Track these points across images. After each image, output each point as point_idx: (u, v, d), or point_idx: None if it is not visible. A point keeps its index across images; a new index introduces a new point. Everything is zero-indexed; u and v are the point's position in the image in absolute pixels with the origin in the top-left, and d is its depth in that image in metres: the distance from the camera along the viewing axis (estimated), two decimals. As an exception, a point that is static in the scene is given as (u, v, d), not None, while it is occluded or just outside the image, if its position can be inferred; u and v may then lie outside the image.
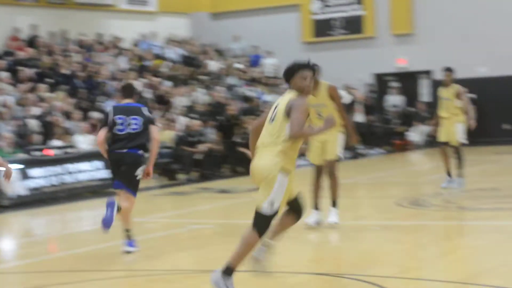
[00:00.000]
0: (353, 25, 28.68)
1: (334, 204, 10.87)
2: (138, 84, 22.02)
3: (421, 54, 27.47)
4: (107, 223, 9.10)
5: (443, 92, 14.68)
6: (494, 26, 26.31)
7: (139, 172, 9.45)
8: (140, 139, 9.51)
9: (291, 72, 7.12)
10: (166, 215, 13.83)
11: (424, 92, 27.80)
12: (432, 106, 27.14)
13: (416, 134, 26.55)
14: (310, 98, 7.49)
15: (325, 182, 10.89)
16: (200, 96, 24.06)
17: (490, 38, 26.28)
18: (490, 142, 25.09)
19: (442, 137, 14.55)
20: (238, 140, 19.98)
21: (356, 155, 23.73)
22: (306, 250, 9.61)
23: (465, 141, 14.49)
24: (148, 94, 22.80)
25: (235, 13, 30.32)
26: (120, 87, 10.70)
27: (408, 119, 26.95)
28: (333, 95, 10.77)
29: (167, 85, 24.19)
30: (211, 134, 20.74)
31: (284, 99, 7.05)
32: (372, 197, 14.96)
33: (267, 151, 6.93)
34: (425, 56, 27.33)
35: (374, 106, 27.39)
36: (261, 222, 6.84)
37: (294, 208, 7.07)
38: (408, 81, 27.92)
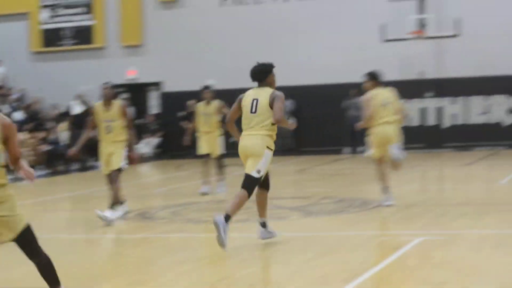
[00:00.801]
0: (83, 35, 28.37)
1: (112, 206, 12.11)
2: None
3: (150, 66, 27.70)
4: None
5: (203, 108, 15.61)
6: (221, 40, 27.04)
7: None
8: None
9: (268, 71, 9.50)
10: None
11: (154, 104, 28.02)
12: (161, 118, 27.50)
13: (145, 146, 26.66)
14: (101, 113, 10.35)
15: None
16: None
17: (217, 52, 27.00)
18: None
19: (203, 150, 15.61)
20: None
21: (85, 168, 23.43)
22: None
23: (224, 152, 15.79)
24: None
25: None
26: None
27: (137, 131, 26.95)
28: (123, 112, 11.98)
29: None
30: None
31: (262, 94, 9.31)
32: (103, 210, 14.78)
33: (256, 134, 9.20)
34: (155, 68, 27.59)
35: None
36: (250, 184, 9.30)
37: (264, 184, 9.52)
38: (138, 92, 28.03)
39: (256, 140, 9.28)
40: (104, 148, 12.25)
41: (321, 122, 26.01)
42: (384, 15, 24.11)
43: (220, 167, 15.87)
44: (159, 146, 27.29)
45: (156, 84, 28.00)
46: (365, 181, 14.56)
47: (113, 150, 12.02)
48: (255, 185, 9.38)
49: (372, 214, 12.20)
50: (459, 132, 25.29)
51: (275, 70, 9.62)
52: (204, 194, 15.52)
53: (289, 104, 26.18)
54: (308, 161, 23.93)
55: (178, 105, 26.86)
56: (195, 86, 26.51)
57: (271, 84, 9.54)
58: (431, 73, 25.54)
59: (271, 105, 9.24)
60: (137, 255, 9.97)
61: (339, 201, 13.68)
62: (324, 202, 13.55)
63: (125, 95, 27.94)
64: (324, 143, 26.15)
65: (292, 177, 19.69)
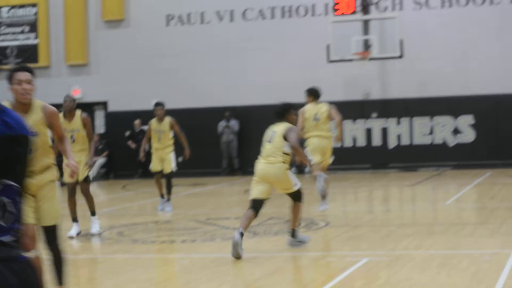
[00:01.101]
0: (28, 54, 28.11)
1: (93, 214, 12.99)
2: None
3: (96, 85, 27.54)
4: None
5: (155, 125, 15.77)
6: (166, 60, 27.00)
7: None
8: None
9: (286, 110, 10.83)
10: None
11: (99, 123, 27.84)
12: (106, 137, 27.33)
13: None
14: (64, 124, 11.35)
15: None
16: None
17: (162, 72, 26.97)
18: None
19: (155, 167, 15.88)
20: None
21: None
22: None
23: (175, 169, 16.04)
24: None
25: None
26: None
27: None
28: (85, 122, 12.63)
29: None
30: None
31: (279, 127, 10.67)
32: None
33: (274, 161, 10.54)
34: (100, 87, 27.44)
35: (48, 137, 26.96)
36: (298, 195, 10.73)
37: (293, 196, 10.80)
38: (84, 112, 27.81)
39: (274, 169, 10.58)
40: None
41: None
42: (329, 36, 24.28)
43: (169, 185, 15.95)
44: (104, 166, 27.10)
45: (101, 104, 27.85)
46: (311, 202, 14.59)
47: (81, 160, 12.36)
48: (301, 194, 10.82)
49: (318, 235, 12.24)
50: (405, 152, 25.53)
51: (294, 110, 11.05)
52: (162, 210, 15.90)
53: (234, 124, 26.24)
54: (254, 181, 23.90)
55: (124, 124, 26.75)
56: (140, 106, 26.55)
57: (291, 122, 10.86)
58: (376, 94, 25.80)
59: (285, 137, 10.55)
60: (83, 275, 9.86)
61: (285, 221, 13.73)
62: (271, 223, 13.56)
63: (70, 115, 27.69)
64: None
65: (238, 198, 19.67)
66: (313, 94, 15.05)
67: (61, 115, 12.45)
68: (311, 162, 13.13)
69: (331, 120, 15.05)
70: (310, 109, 14.82)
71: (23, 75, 7.15)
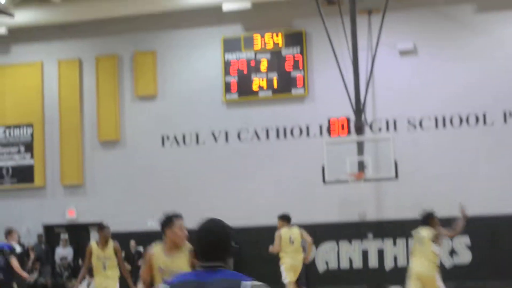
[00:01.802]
0: (23, 175, 28.19)
1: None
2: None
3: (91, 206, 27.55)
4: None
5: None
6: (162, 180, 27.13)
7: None
8: None
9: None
10: None
11: (94, 244, 27.71)
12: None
13: (85, 287, 26.20)
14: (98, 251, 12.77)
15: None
16: None
17: (158, 192, 27.06)
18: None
19: None
20: None
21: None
22: None
23: None
24: None
25: None
26: None
27: (77, 271, 26.57)
28: (118, 251, 13.91)
29: None
30: None
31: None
32: None
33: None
34: (95, 208, 27.44)
35: (43, 258, 26.78)
36: None
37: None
38: (78, 232, 27.75)
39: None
40: (99, 284, 13.92)
41: (263, 261, 25.84)
42: (324, 157, 24.46)
43: None
44: (98, 287, 26.82)
45: (96, 224, 27.69)
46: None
47: (107, 285, 13.48)
48: None
49: None
50: (402, 274, 25.31)
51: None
52: None
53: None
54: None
55: (120, 245, 26.58)
56: (136, 227, 26.51)
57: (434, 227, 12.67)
58: (372, 215, 25.85)
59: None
60: None
61: None
62: None
63: (65, 235, 27.62)
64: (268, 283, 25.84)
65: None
66: (286, 219, 17.99)
67: (94, 242, 13.42)
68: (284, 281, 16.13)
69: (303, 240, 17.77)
70: (285, 233, 17.53)
71: (181, 222, 8.81)
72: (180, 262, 8.87)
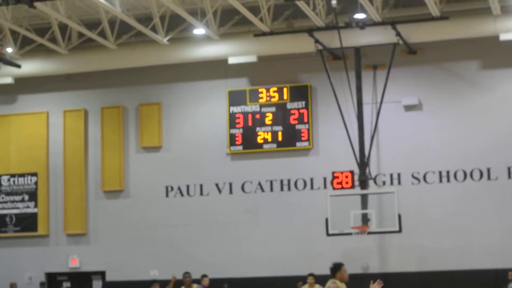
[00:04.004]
0: (27, 223, 28.20)
1: None
2: None
3: (94, 255, 27.53)
4: None
5: None
6: (165, 230, 27.15)
7: None
8: None
9: (337, 268, 12.28)
10: None
11: (97, 293, 27.68)
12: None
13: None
14: None
15: None
16: None
17: (161, 243, 27.06)
18: None
19: None
20: None
21: None
22: None
23: None
24: None
25: None
26: None
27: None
28: None
29: None
30: None
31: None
32: None
33: None
34: (98, 256, 27.43)
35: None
36: None
37: None
38: (81, 281, 27.68)
39: None
40: None
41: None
42: (328, 210, 24.50)
43: None
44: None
45: (99, 273, 27.70)
46: None
47: None
48: None
49: None
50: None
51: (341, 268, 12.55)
52: None
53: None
54: None
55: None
56: (138, 276, 26.47)
57: (341, 278, 12.45)
58: (375, 268, 25.84)
59: None
60: None
61: None
62: None
63: (67, 284, 27.53)
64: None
65: None
66: (314, 275, 20.22)
67: None
68: None
69: None
70: None
71: None
72: None
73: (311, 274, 21.64)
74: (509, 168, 25.40)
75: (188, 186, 27.66)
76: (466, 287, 24.95)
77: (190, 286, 16.47)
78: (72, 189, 28.21)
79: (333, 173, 25.48)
